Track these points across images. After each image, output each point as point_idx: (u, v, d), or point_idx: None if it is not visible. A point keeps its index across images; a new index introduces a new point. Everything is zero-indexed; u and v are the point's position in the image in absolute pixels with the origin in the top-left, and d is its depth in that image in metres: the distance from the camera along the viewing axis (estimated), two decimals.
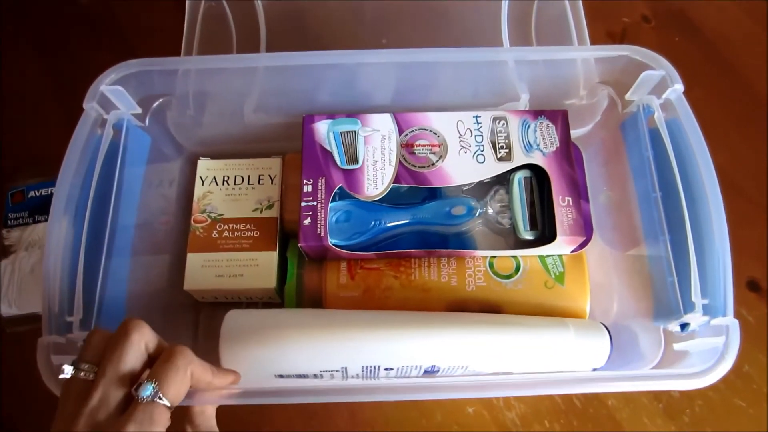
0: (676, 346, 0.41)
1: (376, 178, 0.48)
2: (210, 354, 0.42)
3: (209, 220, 0.52)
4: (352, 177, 0.48)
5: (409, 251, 0.49)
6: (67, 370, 0.34)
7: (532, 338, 0.45)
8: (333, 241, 0.48)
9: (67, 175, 0.43)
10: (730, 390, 0.53)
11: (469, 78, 0.51)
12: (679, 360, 0.41)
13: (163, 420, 0.33)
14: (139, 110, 0.48)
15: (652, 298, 0.45)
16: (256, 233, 0.51)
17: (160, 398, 0.33)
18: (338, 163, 0.49)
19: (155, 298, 0.51)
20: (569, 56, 0.48)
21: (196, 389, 0.37)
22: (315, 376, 0.44)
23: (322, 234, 0.46)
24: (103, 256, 0.43)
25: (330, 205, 0.47)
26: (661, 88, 0.45)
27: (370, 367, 0.44)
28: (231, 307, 0.47)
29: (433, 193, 0.52)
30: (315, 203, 0.47)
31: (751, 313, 0.56)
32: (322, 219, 0.47)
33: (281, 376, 0.44)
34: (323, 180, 0.48)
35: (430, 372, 0.44)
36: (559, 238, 0.46)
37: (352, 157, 0.49)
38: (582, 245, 0.48)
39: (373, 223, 0.50)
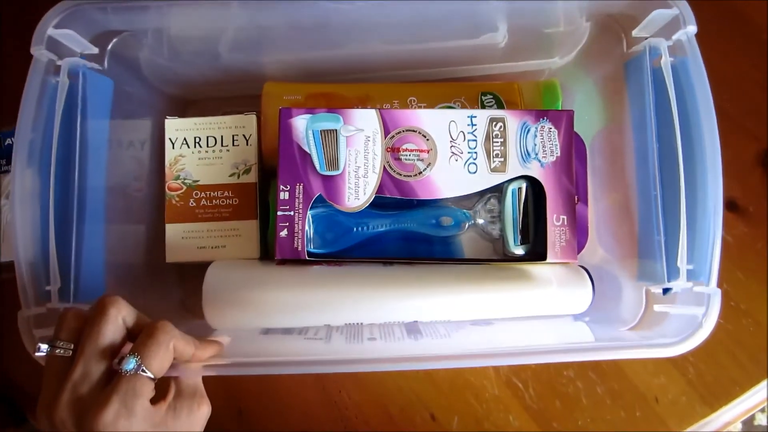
0: (657, 308, 0.42)
1: (358, 187, 0.45)
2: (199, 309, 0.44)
3: (184, 188, 0.50)
4: (331, 184, 0.45)
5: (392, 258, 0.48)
6: (43, 348, 0.35)
7: (514, 294, 0.45)
8: (312, 250, 0.46)
9: (25, 128, 0.41)
10: None
11: (445, 11, 0.45)
12: (658, 321, 0.41)
13: (147, 391, 0.34)
14: (94, 50, 0.44)
15: (638, 253, 0.44)
16: (235, 201, 0.49)
17: (144, 371, 0.34)
18: (317, 167, 0.45)
19: (135, 263, 0.50)
20: None
21: (179, 362, 0.38)
22: (300, 330, 0.45)
23: (300, 248, 0.44)
24: (75, 211, 0.42)
25: (309, 212, 0.45)
26: (671, 29, 0.41)
27: (353, 322, 0.45)
28: None
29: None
30: (292, 213, 0.45)
31: (729, 232, 0.55)
32: (300, 231, 0.45)
33: (267, 331, 0.45)
34: (301, 187, 0.45)
35: (412, 326, 0.45)
36: (548, 259, 0.45)
37: (333, 162, 0.45)
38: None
39: (355, 228, 0.47)
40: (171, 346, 0.35)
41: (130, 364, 0.34)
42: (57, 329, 0.36)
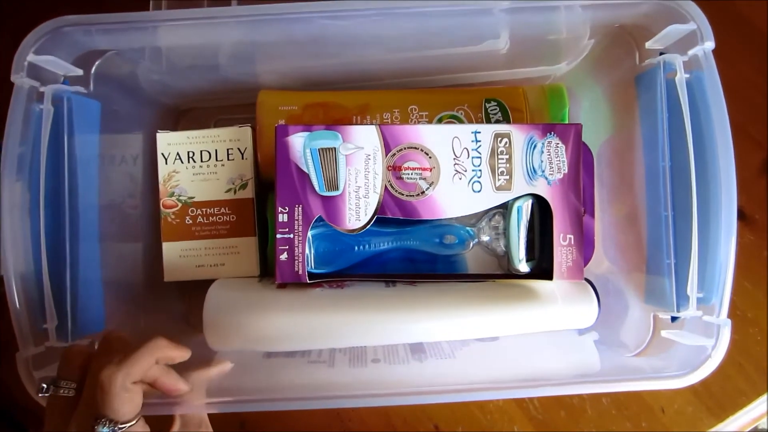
0: (664, 334, 0.41)
1: (359, 208, 0.43)
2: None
3: (180, 205, 0.48)
4: (331, 206, 0.43)
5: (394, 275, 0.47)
6: (47, 388, 0.35)
7: (519, 314, 0.44)
8: (313, 270, 0.45)
9: (11, 158, 0.39)
10: None
11: (445, 22, 0.43)
12: (665, 348, 0.40)
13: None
14: (78, 72, 0.42)
15: (646, 274, 0.43)
16: (232, 217, 0.48)
17: (120, 427, 0.33)
18: (316, 188, 0.43)
19: (134, 281, 0.49)
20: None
21: (180, 395, 0.37)
22: (303, 354, 0.45)
23: (300, 272, 0.43)
24: (67, 238, 0.41)
25: (309, 233, 0.43)
26: (687, 43, 0.39)
27: (356, 346, 0.44)
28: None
29: None
30: (291, 236, 0.43)
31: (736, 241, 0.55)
32: (300, 254, 0.43)
33: (269, 354, 0.45)
34: (300, 209, 0.43)
35: (416, 347, 0.45)
36: (555, 279, 0.44)
37: (332, 182, 0.43)
38: None
39: (356, 247, 0.46)
40: (129, 386, 0.33)
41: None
42: (60, 368, 0.36)
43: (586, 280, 0.47)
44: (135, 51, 0.43)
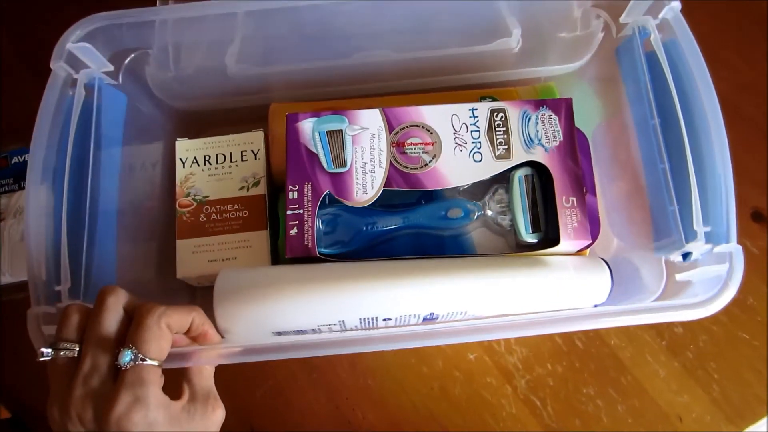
0: (679, 277, 0.40)
1: (366, 182, 0.46)
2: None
3: (195, 204, 0.50)
4: (339, 181, 0.45)
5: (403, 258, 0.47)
6: (47, 352, 0.34)
7: (531, 280, 0.43)
8: (322, 250, 0.46)
9: (41, 139, 0.42)
10: (734, 323, 0.52)
11: (459, 18, 0.47)
12: (682, 290, 0.40)
13: (155, 378, 0.33)
14: (110, 67, 0.46)
15: (653, 229, 0.43)
16: (245, 213, 0.50)
17: (143, 359, 0.33)
18: (325, 166, 0.46)
19: (146, 280, 0.50)
20: None
21: (189, 348, 0.37)
22: (313, 330, 0.44)
23: (310, 245, 0.44)
24: (87, 220, 0.42)
25: (318, 211, 0.45)
26: (657, 8, 0.43)
27: (368, 318, 0.43)
28: None
29: (429, 193, 0.49)
30: (301, 211, 0.45)
31: (755, 244, 0.54)
32: (309, 228, 0.45)
33: (279, 333, 0.44)
34: (309, 185, 0.45)
35: (429, 319, 0.44)
36: (562, 242, 0.44)
37: (340, 160, 0.46)
38: (588, 244, 0.46)
39: (364, 227, 0.47)
40: (163, 326, 0.34)
41: (127, 356, 0.33)
42: (59, 328, 0.35)
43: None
44: (157, 49, 0.47)
